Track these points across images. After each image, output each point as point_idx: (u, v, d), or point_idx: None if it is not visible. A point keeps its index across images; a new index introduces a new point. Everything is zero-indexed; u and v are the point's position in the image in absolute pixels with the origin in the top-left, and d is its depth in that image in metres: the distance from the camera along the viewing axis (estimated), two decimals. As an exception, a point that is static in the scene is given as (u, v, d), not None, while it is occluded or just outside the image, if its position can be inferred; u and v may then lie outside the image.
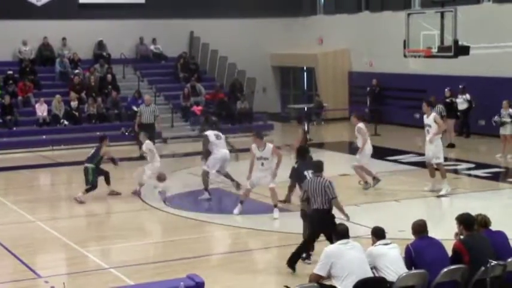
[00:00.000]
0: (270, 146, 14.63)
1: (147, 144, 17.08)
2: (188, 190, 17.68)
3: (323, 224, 10.85)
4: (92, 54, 29.53)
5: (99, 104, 26.27)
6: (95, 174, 16.48)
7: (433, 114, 16.58)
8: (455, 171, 19.33)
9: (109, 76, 27.62)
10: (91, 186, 16.43)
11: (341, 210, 11.32)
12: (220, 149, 16.59)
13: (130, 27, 29.71)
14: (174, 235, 13.67)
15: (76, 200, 16.25)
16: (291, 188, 15.16)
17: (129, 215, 15.53)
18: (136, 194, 16.78)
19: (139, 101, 26.40)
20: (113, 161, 17.08)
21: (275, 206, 14.54)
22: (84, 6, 29.30)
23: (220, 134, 17.07)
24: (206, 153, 16.64)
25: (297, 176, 13.24)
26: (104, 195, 16.87)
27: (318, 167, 11.58)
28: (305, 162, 12.86)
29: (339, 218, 11.21)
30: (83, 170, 16.58)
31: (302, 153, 13.08)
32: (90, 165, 16.50)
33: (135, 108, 25.68)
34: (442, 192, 16.21)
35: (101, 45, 29.49)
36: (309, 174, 12.16)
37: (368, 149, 16.94)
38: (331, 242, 9.34)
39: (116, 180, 19.14)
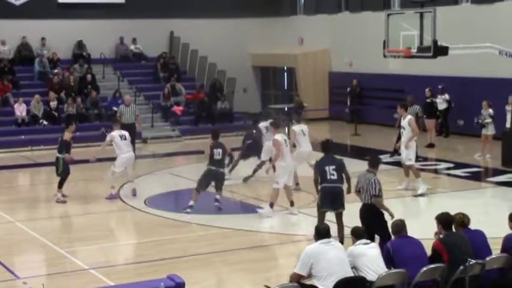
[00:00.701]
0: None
1: (111, 136, 16.76)
2: (168, 190, 17.65)
3: (367, 218, 10.92)
4: (72, 54, 29.38)
5: (79, 104, 26.15)
6: (64, 164, 16.31)
7: (408, 117, 16.83)
8: (435, 171, 19.44)
9: (89, 76, 27.49)
10: (60, 178, 16.27)
11: (384, 208, 11.19)
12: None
13: (110, 27, 29.59)
14: (155, 235, 13.63)
15: (58, 202, 16.14)
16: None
17: (109, 215, 15.48)
18: (112, 197, 16.53)
19: (119, 101, 26.31)
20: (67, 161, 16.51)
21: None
22: (63, 6, 29.14)
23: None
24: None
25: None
26: (83, 195, 16.77)
27: (372, 163, 11.53)
28: (327, 157, 12.58)
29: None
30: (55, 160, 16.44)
31: (325, 148, 12.85)
32: (60, 155, 16.37)
33: (115, 108, 25.59)
34: (419, 192, 16.32)
35: (80, 45, 29.35)
36: (329, 169, 12.01)
37: None
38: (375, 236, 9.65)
39: (96, 181, 19.11)
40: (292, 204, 14.88)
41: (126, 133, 16.92)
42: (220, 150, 15.34)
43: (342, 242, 11.18)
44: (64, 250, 12.64)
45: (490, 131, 20.55)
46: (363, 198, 11.17)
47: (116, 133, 16.84)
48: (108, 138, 16.90)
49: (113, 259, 12.11)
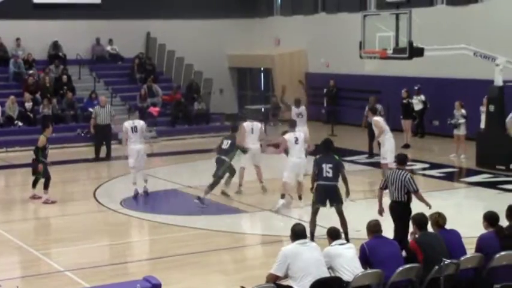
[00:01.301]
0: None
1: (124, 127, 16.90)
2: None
3: (399, 216, 11.01)
4: (47, 54, 29.20)
5: (54, 105, 25.99)
6: (44, 169, 16.19)
7: (373, 119, 17.00)
8: (411, 171, 19.49)
9: (64, 77, 27.33)
10: (45, 179, 16.17)
11: (424, 201, 11.43)
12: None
13: (86, 27, 29.44)
14: (130, 237, 13.60)
15: (47, 203, 15.99)
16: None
17: (84, 217, 15.39)
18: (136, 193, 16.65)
19: (95, 102, 26.19)
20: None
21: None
22: (38, 6, 28.95)
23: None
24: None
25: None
26: (59, 197, 16.67)
27: (401, 160, 11.69)
28: (326, 155, 12.65)
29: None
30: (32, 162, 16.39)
31: (324, 146, 12.99)
32: (39, 159, 16.24)
33: (91, 109, 25.46)
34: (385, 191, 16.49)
35: (56, 45, 29.17)
36: (326, 167, 12.26)
37: None
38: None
39: (72, 183, 19.02)
40: (300, 198, 15.34)
41: (138, 124, 16.88)
42: (229, 141, 16.12)
43: (346, 237, 11.52)
44: (39, 252, 12.55)
45: (462, 131, 20.72)
46: (395, 196, 11.29)
47: (128, 123, 16.92)
48: (123, 129, 16.99)
49: (89, 261, 12.05)
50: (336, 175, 12.37)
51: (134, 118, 17.19)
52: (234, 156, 16.28)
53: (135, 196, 16.68)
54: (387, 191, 11.56)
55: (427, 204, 11.36)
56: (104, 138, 22.18)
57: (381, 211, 11.58)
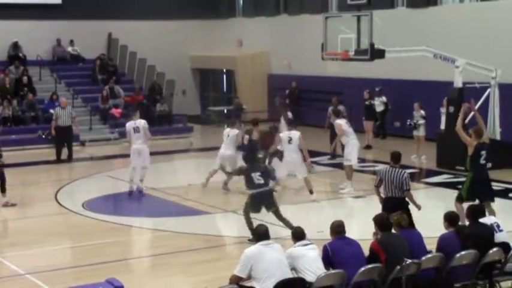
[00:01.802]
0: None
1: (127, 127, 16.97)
2: (107, 193, 17.49)
3: (395, 211, 10.95)
4: (7, 55, 28.85)
5: (15, 107, 25.69)
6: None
7: (336, 122, 17.28)
8: (373, 172, 19.68)
9: (25, 78, 27.04)
10: (0, 182, 15.95)
11: (413, 201, 11.71)
12: None
13: (46, 28, 29.16)
14: (93, 239, 13.49)
15: (7, 206, 15.77)
16: None
17: (45, 219, 15.23)
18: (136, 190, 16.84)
19: (56, 103, 25.95)
20: None
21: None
22: (-2, 6, 28.63)
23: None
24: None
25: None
26: (19, 199, 16.49)
27: (396, 158, 11.88)
28: (252, 165, 13.27)
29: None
30: None
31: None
32: None
33: (51, 110, 25.23)
34: (344, 190, 16.82)
35: (16, 46, 28.85)
36: (256, 176, 12.62)
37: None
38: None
39: (31, 185, 18.84)
40: (311, 192, 15.91)
41: (140, 125, 16.81)
42: (247, 137, 16.84)
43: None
44: None
45: (421, 132, 20.96)
46: (391, 192, 11.53)
47: (130, 124, 16.93)
48: (127, 130, 17.06)
49: (50, 263, 11.94)
50: (267, 180, 12.76)
51: (136, 118, 17.07)
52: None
53: (130, 193, 16.75)
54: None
55: (416, 205, 11.65)
56: (65, 140, 21.99)
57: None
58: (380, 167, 20.16)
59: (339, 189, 17.05)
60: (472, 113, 18.25)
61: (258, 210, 12.71)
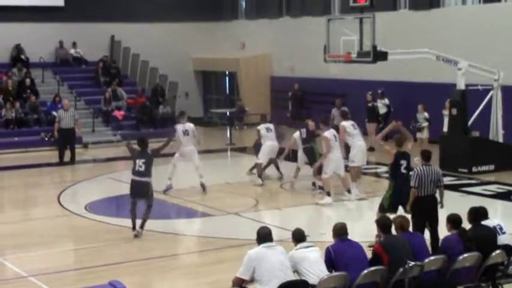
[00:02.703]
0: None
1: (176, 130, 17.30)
2: (110, 196, 17.49)
3: (431, 211, 11.25)
4: (9, 57, 28.89)
5: (17, 109, 25.72)
6: None
7: (340, 124, 17.24)
8: (376, 174, 19.69)
9: (27, 80, 27.07)
10: None
11: (443, 198, 11.73)
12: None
13: (49, 30, 29.20)
14: (96, 241, 13.50)
15: None
16: None
17: (48, 221, 15.25)
18: (169, 188, 17.07)
19: (58, 105, 25.98)
20: None
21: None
22: (0, 9, 28.60)
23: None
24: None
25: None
26: (22, 201, 16.51)
27: (428, 157, 11.89)
28: (141, 151, 13.65)
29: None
30: None
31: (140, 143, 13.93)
32: None
33: (54, 113, 25.27)
34: (351, 196, 16.73)
35: (18, 48, 28.88)
36: (139, 162, 13.21)
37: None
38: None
39: (34, 187, 18.86)
40: (349, 191, 16.25)
41: (189, 128, 17.19)
42: (304, 130, 17.56)
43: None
44: (2, 257, 12.42)
45: (424, 134, 20.94)
46: (429, 190, 11.49)
47: (179, 127, 17.19)
48: (177, 134, 17.31)
49: (53, 266, 11.95)
50: (148, 170, 13.20)
51: (184, 122, 17.36)
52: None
53: (167, 190, 16.95)
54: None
55: (442, 203, 11.65)
56: (67, 142, 22.01)
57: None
58: (382, 169, 20.25)
59: (343, 198, 16.96)
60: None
61: (134, 198, 13.46)
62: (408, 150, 12.58)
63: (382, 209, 12.25)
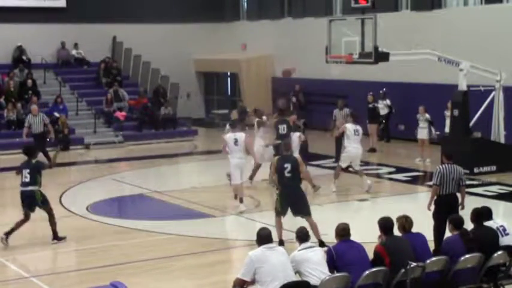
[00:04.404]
0: None
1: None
2: (111, 197, 17.49)
3: (448, 210, 11.17)
4: (11, 58, 28.90)
5: (19, 110, 25.73)
6: None
7: (344, 125, 17.35)
8: (377, 175, 19.68)
9: (29, 81, 27.07)
10: None
11: (464, 197, 11.76)
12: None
13: (51, 31, 29.21)
14: (97, 242, 13.50)
15: None
16: None
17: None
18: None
19: (60, 106, 26.02)
20: None
21: None
22: (2, 10, 28.63)
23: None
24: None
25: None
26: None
27: (450, 156, 12.02)
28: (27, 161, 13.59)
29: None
30: None
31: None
32: None
33: (56, 114, 25.32)
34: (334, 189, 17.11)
35: (20, 49, 28.90)
36: (25, 172, 13.20)
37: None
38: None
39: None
40: (241, 201, 15.41)
41: (239, 137, 15.53)
42: (284, 126, 17.23)
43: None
44: (4, 258, 12.43)
45: (425, 135, 20.93)
46: (450, 189, 11.55)
47: (229, 136, 15.76)
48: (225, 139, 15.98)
49: (54, 266, 11.96)
50: (33, 179, 13.12)
51: (236, 131, 15.87)
52: None
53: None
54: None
55: (463, 203, 11.64)
56: (39, 146, 21.75)
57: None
58: (384, 170, 20.27)
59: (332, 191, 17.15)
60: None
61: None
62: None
63: (278, 212, 12.41)
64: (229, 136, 15.59)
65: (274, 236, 9.04)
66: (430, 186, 18.35)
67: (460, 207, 11.56)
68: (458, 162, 18.84)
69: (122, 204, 16.87)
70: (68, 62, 29.94)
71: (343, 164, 17.30)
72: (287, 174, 12.36)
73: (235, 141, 15.40)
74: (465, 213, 9.88)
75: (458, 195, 11.71)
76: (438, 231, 11.23)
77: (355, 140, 16.97)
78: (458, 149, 19.11)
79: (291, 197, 12.46)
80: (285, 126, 17.42)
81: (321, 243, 11.73)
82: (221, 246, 13.18)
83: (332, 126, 21.00)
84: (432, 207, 11.68)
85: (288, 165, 12.38)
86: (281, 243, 11.87)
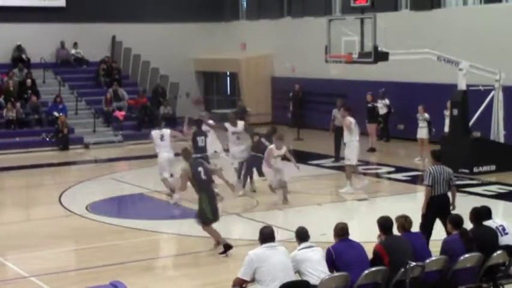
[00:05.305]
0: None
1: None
2: (111, 196, 17.50)
3: (441, 211, 11.24)
4: (11, 58, 28.89)
5: (19, 109, 25.74)
6: None
7: (346, 118, 17.08)
8: (376, 175, 19.69)
9: (29, 81, 27.08)
10: None
11: (455, 197, 11.81)
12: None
13: (50, 31, 29.20)
14: (97, 241, 13.51)
15: None
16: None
17: (50, 221, 15.25)
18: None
19: (60, 106, 26.02)
20: None
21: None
22: (2, 9, 28.62)
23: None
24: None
25: None
26: (24, 202, 16.51)
27: (438, 156, 12.03)
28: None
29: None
30: None
31: None
32: None
33: (55, 113, 25.33)
34: (342, 190, 16.92)
35: (20, 49, 28.89)
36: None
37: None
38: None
39: (36, 187, 18.87)
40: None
41: (165, 133, 16.76)
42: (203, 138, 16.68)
43: None
44: (3, 258, 12.43)
45: (424, 134, 20.94)
46: (443, 189, 11.59)
47: (155, 132, 16.91)
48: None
49: (54, 266, 11.95)
50: None
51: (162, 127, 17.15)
52: None
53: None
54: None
55: (453, 205, 11.67)
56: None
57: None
58: (383, 169, 20.28)
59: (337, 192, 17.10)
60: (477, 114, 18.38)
61: None
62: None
63: (207, 221, 12.23)
64: (156, 132, 16.70)
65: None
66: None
67: (451, 208, 11.58)
68: (458, 161, 19.10)
69: (122, 204, 16.87)
70: (68, 62, 29.93)
71: (354, 162, 17.11)
72: (203, 177, 12.30)
73: (162, 137, 16.49)
74: (464, 213, 9.86)
75: (449, 195, 11.73)
76: (425, 230, 11.20)
77: (357, 133, 17.02)
78: (458, 149, 19.23)
79: (214, 199, 12.38)
80: (203, 138, 16.77)
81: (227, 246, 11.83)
82: (221, 246, 13.17)
83: (331, 127, 20.97)
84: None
85: (201, 169, 12.34)
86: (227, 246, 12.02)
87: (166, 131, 16.76)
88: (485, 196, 16.47)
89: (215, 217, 12.39)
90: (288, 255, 8.72)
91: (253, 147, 16.95)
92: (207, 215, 12.24)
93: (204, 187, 12.32)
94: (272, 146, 15.63)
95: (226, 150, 17.63)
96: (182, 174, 12.56)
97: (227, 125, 17.38)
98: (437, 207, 11.39)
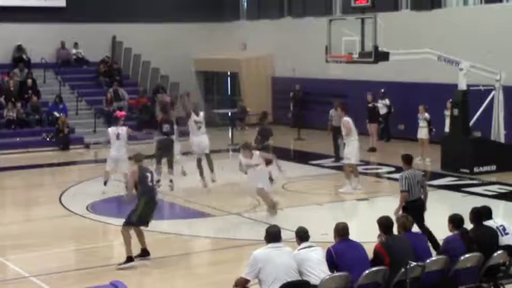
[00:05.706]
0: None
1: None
2: (111, 196, 17.48)
3: (418, 214, 11.28)
4: (11, 58, 28.90)
5: (19, 109, 25.74)
6: None
7: (344, 119, 17.10)
8: (377, 175, 19.68)
9: (29, 81, 27.08)
10: None
11: (427, 199, 11.96)
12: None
13: (51, 31, 29.21)
14: (97, 241, 13.51)
15: None
16: None
17: (49, 221, 15.25)
18: None
19: (60, 106, 26.03)
20: None
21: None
22: (2, 9, 28.62)
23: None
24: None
25: None
26: (24, 202, 16.51)
27: (409, 160, 12.07)
28: None
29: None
30: None
31: None
32: None
33: (56, 113, 25.33)
34: (341, 190, 16.89)
35: (20, 49, 28.90)
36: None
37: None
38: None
39: (37, 187, 18.86)
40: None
41: (121, 131, 17.06)
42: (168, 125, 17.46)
43: None
44: (3, 258, 12.43)
45: (424, 134, 20.92)
46: (417, 193, 11.73)
47: (111, 129, 17.21)
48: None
49: (54, 266, 11.95)
50: None
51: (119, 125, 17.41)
52: None
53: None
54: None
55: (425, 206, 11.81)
56: None
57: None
58: (384, 169, 20.27)
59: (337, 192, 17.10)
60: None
61: None
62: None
63: (131, 220, 12.01)
64: (112, 130, 17.06)
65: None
66: (430, 185, 18.45)
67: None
68: (459, 161, 19.11)
69: (122, 204, 16.83)
70: (68, 62, 29.94)
71: (355, 161, 17.10)
72: (149, 183, 12.18)
73: (118, 135, 16.88)
74: (464, 213, 9.85)
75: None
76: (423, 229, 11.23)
77: (356, 132, 17.01)
78: (458, 149, 19.23)
79: (154, 202, 12.30)
80: (168, 126, 17.65)
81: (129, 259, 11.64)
82: (221, 246, 13.18)
83: (329, 127, 20.95)
84: (400, 212, 11.54)
85: (148, 175, 12.21)
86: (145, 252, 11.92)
87: (123, 129, 17.07)
88: (486, 196, 16.46)
89: (140, 223, 12.02)
90: (293, 256, 8.69)
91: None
92: (134, 218, 11.93)
93: (147, 193, 12.09)
94: (240, 155, 15.08)
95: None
96: (130, 174, 12.55)
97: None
98: (414, 212, 11.34)
